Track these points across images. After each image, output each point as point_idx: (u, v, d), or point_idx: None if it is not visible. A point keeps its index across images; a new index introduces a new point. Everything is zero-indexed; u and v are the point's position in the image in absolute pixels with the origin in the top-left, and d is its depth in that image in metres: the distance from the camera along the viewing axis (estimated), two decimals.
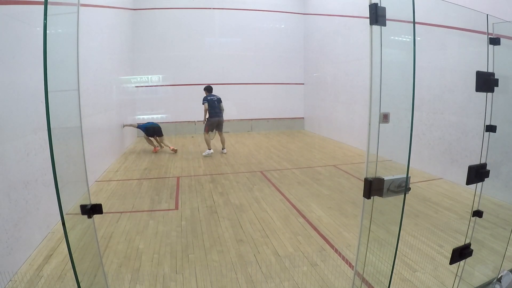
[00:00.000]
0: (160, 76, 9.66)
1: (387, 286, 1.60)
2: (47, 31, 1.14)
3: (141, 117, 8.16)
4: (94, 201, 1.42)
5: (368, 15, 1.35)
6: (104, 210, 1.49)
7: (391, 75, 1.47)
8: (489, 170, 1.90)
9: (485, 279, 2.26)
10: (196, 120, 9.85)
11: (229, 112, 7.16)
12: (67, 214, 1.29)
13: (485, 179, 1.93)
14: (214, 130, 6.94)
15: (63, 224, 1.26)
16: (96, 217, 1.45)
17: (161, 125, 7.46)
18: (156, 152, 7.37)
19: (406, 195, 1.49)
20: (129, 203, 4.15)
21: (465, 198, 4.07)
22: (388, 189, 1.44)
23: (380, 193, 1.44)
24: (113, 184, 4.97)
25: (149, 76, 9.56)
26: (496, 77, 1.91)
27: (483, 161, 1.95)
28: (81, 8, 1.55)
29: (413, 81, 1.44)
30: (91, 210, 1.40)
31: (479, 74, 1.89)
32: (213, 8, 9.71)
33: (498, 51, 2.00)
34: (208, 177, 5.33)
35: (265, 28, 10.22)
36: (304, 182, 4.99)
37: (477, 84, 1.90)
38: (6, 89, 2.58)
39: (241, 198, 4.28)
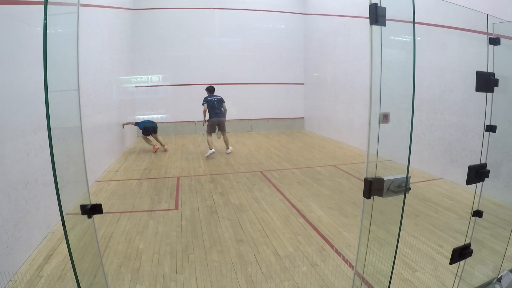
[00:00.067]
0: (160, 76, 9.66)
1: (387, 286, 1.60)
2: (47, 31, 1.14)
3: (141, 117, 8.16)
4: (94, 201, 1.42)
5: (368, 15, 1.35)
6: (104, 210, 1.49)
7: (391, 75, 1.47)
8: (489, 170, 1.90)
9: (485, 279, 2.26)
10: (196, 120, 9.85)
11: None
12: (67, 214, 1.29)
13: (485, 179, 1.92)
14: (217, 131, 6.93)
15: (63, 224, 1.26)
16: (96, 217, 1.45)
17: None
18: (155, 151, 7.38)
19: (406, 195, 1.49)
20: (129, 203, 4.15)
21: (465, 198, 4.07)
22: (388, 189, 1.44)
23: (380, 193, 1.44)
24: (113, 184, 4.97)
25: (149, 76, 9.56)
26: (496, 77, 1.91)
27: (483, 161, 1.95)
28: (81, 8, 1.55)
29: (413, 81, 1.44)
30: (91, 210, 1.40)
31: (479, 74, 1.89)
32: (213, 8, 9.72)
33: (498, 51, 2.00)
34: (208, 177, 5.33)
35: (265, 28, 10.22)
36: (304, 182, 4.99)
37: (477, 84, 1.90)
38: (6, 89, 2.58)
39: (241, 198, 4.28)
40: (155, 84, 9.62)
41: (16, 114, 2.74)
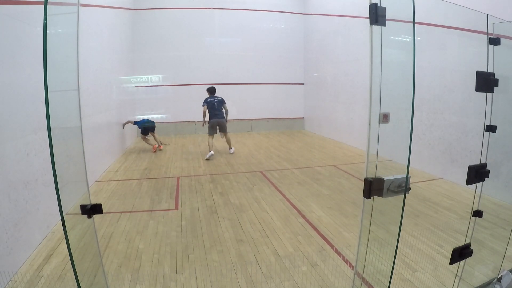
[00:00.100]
0: (160, 76, 9.66)
1: (387, 286, 1.60)
2: (47, 31, 1.14)
3: (141, 117, 8.18)
4: (94, 201, 1.42)
5: (368, 15, 1.35)
6: (104, 210, 1.49)
7: (391, 75, 1.47)
8: (489, 170, 1.90)
9: (485, 279, 2.26)
10: (196, 120, 9.85)
11: (229, 112, 7.15)
12: (67, 214, 1.29)
13: (485, 179, 1.93)
14: (218, 132, 6.93)
15: (63, 224, 1.26)
16: (96, 217, 1.45)
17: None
18: (155, 151, 7.38)
19: (406, 195, 1.49)
20: (129, 203, 4.15)
21: (465, 198, 4.07)
22: (388, 189, 1.44)
23: (380, 193, 1.44)
24: (113, 184, 4.97)
25: (149, 76, 9.56)
26: (496, 77, 1.91)
27: (483, 161, 1.95)
28: (81, 8, 1.55)
29: (413, 81, 1.44)
30: (91, 210, 1.40)
31: (479, 74, 1.89)
32: (213, 8, 9.71)
33: (498, 51, 2.00)
34: (208, 177, 5.33)
35: (265, 28, 10.22)
36: (304, 182, 4.99)
37: (477, 84, 1.90)
38: (6, 89, 2.58)
39: (241, 198, 4.28)
40: (155, 84, 9.62)
41: (16, 114, 2.74)
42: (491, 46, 2.00)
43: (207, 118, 6.80)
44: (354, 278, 1.70)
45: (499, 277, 2.18)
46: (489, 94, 1.94)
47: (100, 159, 5.58)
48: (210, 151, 6.55)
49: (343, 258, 2.76)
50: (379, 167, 1.49)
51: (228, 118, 6.94)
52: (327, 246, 2.98)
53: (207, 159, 6.49)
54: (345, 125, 8.20)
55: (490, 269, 2.41)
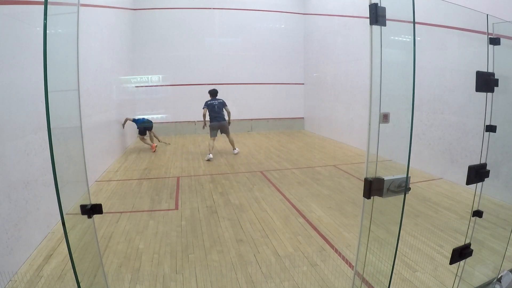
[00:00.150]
0: (160, 76, 9.66)
1: (387, 286, 1.60)
2: (47, 31, 1.14)
3: (141, 117, 8.19)
4: (94, 201, 1.42)
5: (368, 15, 1.35)
6: (104, 210, 1.49)
7: (391, 75, 1.47)
8: (489, 170, 1.90)
9: (485, 279, 2.26)
10: (196, 120, 9.86)
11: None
12: (67, 214, 1.29)
13: (485, 179, 1.92)
14: (219, 133, 6.94)
15: (63, 224, 1.26)
16: (96, 217, 1.45)
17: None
18: (154, 151, 7.39)
19: (406, 195, 1.49)
20: (129, 203, 4.15)
21: (465, 198, 4.07)
22: (388, 189, 1.44)
23: (380, 193, 1.44)
24: (113, 184, 4.98)
25: (149, 76, 9.56)
26: (496, 77, 1.91)
27: (483, 161, 1.95)
28: (81, 8, 1.55)
29: (413, 81, 1.44)
30: (91, 210, 1.40)
31: (479, 74, 1.89)
32: (213, 8, 9.72)
33: (498, 51, 2.00)
34: (208, 177, 5.33)
35: (265, 28, 10.22)
36: (304, 182, 4.99)
37: (477, 84, 1.90)
38: (6, 89, 2.59)
39: (241, 198, 4.28)
40: (155, 84, 9.62)
41: (16, 114, 2.74)
42: (491, 46, 2.00)
43: (208, 119, 6.81)
44: (354, 278, 1.70)
45: (499, 277, 2.18)
46: (489, 94, 1.94)
47: (100, 159, 5.58)
48: (209, 154, 6.56)
49: (343, 258, 2.76)
50: (379, 167, 1.49)
51: (225, 118, 6.93)
52: (327, 246, 2.98)
53: (207, 160, 6.49)
54: (345, 125, 8.20)
55: (490, 269, 2.41)
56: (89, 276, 1.57)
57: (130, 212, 3.85)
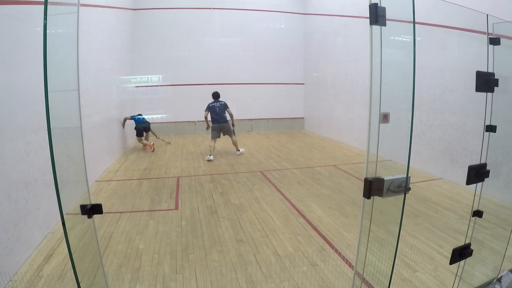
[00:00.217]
0: (160, 76, 9.66)
1: (387, 286, 1.60)
2: (47, 31, 1.14)
3: (140, 116, 8.19)
4: (94, 201, 1.42)
5: (368, 15, 1.35)
6: (104, 210, 1.49)
7: (391, 75, 1.47)
8: (489, 170, 1.90)
9: (485, 279, 2.26)
10: (196, 120, 9.86)
11: None
12: (67, 214, 1.29)
13: (485, 179, 1.92)
14: (220, 135, 6.95)
15: (63, 224, 1.26)
16: (96, 217, 1.45)
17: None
18: (153, 150, 7.40)
19: (406, 195, 1.49)
20: (129, 203, 4.15)
21: (465, 198, 4.07)
22: (388, 189, 1.44)
23: (380, 193, 1.44)
24: (113, 184, 4.98)
25: (149, 76, 9.56)
26: (496, 77, 1.91)
27: (483, 161, 1.95)
28: (81, 8, 1.55)
29: (413, 81, 1.44)
30: (91, 210, 1.40)
31: (479, 74, 1.89)
32: (213, 8, 9.72)
33: (498, 51, 2.00)
34: (208, 177, 5.33)
35: (265, 28, 10.22)
36: (304, 182, 4.99)
37: (477, 84, 1.90)
38: (6, 89, 2.59)
39: (241, 198, 4.28)
40: (155, 84, 9.62)
41: (16, 114, 2.73)
42: (491, 46, 2.00)
43: (211, 122, 6.84)
44: (354, 278, 1.70)
45: (499, 277, 2.18)
46: (489, 94, 1.94)
47: (100, 159, 5.58)
48: (210, 155, 6.56)
49: (343, 258, 2.76)
50: (379, 167, 1.49)
51: (228, 118, 6.93)
52: (327, 246, 2.98)
53: (207, 161, 6.49)
54: (345, 125, 8.20)
55: (490, 269, 2.41)
56: (89, 276, 1.57)
57: (130, 212, 3.85)
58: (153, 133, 7.74)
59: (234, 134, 7.03)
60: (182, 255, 2.83)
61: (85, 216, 1.40)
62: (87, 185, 1.48)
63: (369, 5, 1.35)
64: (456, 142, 4.72)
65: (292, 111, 10.81)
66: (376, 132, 1.43)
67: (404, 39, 1.58)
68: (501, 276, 2.17)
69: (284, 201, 4.16)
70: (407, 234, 3.05)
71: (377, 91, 1.42)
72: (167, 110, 9.70)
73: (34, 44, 2.91)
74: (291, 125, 10.82)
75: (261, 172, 5.59)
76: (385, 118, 1.45)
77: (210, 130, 6.88)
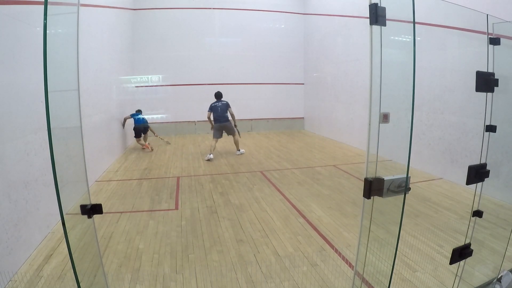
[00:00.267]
0: (160, 76, 9.66)
1: (387, 286, 1.60)
2: (47, 31, 1.14)
3: (140, 115, 8.21)
4: (94, 201, 1.42)
5: (368, 15, 1.35)
6: (104, 210, 1.49)
7: (391, 75, 1.47)
8: (489, 170, 1.90)
9: (485, 279, 2.26)
10: (196, 120, 9.86)
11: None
12: (67, 214, 1.29)
13: (485, 179, 1.92)
14: (222, 135, 6.96)
15: (63, 224, 1.26)
16: (96, 217, 1.45)
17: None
18: (152, 150, 7.40)
19: (406, 195, 1.49)
20: (129, 203, 4.15)
21: (465, 198, 4.07)
22: (388, 189, 1.44)
23: (380, 193, 1.44)
24: (113, 184, 4.98)
25: (149, 76, 9.56)
26: (496, 77, 1.91)
27: (483, 161, 1.95)
28: (81, 8, 1.55)
29: (413, 81, 1.44)
30: (91, 210, 1.40)
31: (479, 74, 1.89)
32: (213, 8, 9.72)
33: (498, 51, 2.00)
34: (208, 177, 5.33)
35: (265, 28, 10.22)
36: (304, 182, 4.99)
37: (477, 84, 1.90)
38: (6, 89, 2.59)
39: (241, 198, 4.28)
40: (155, 84, 9.62)
41: (16, 114, 2.73)
42: (491, 46, 2.00)
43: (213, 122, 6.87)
44: (354, 278, 1.70)
45: (499, 277, 2.18)
46: (489, 94, 1.94)
47: (100, 159, 5.58)
48: (210, 154, 6.57)
49: (343, 258, 2.76)
50: (379, 167, 1.49)
51: (230, 118, 6.93)
52: (327, 246, 2.98)
53: (207, 160, 6.49)
54: (345, 125, 8.20)
55: (490, 269, 2.41)
56: (89, 276, 1.57)
57: (130, 212, 3.85)
58: (151, 131, 7.74)
59: (239, 135, 7.03)
60: (182, 255, 2.83)
61: (85, 216, 1.40)
62: (87, 185, 1.48)
63: (369, 5, 1.35)
64: (456, 142, 4.72)
65: (292, 111, 10.81)
66: (376, 132, 1.43)
67: (404, 39, 1.58)
68: (501, 276, 2.17)
69: (284, 201, 4.16)
70: (407, 234, 3.05)
71: (377, 91, 1.42)
72: (167, 110, 9.70)
73: (34, 44, 2.91)
74: (291, 125, 10.82)
75: (261, 172, 5.59)
76: (385, 118, 1.45)
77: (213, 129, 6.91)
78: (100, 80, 5.66)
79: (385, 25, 1.37)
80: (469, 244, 1.95)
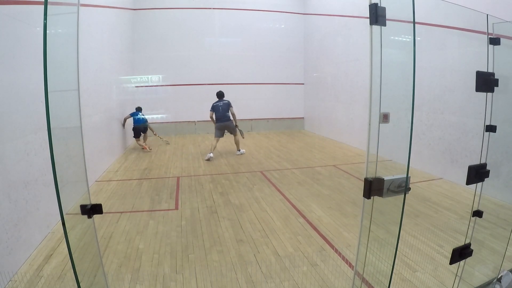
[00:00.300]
0: (160, 76, 9.66)
1: (387, 286, 1.60)
2: (47, 31, 1.14)
3: (140, 115, 8.21)
4: (94, 201, 1.42)
5: (368, 15, 1.35)
6: (104, 210, 1.49)
7: (391, 75, 1.47)
8: (489, 170, 1.90)
9: (485, 279, 2.26)
10: (196, 120, 9.86)
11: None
12: (67, 214, 1.29)
13: (485, 179, 1.92)
14: (223, 134, 6.97)
15: (63, 224, 1.26)
16: (96, 217, 1.45)
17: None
18: (150, 150, 7.41)
19: (406, 195, 1.49)
20: (129, 203, 4.15)
21: (465, 198, 4.07)
22: (388, 189, 1.44)
23: (380, 193, 1.44)
24: (113, 184, 4.98)
25: (149, 76, 9.56)
26: (496, 77, 1.91)
27: (483, 161, 1.95)
28: (81, 8, 1.55)
29: (413, 81, 1.44)
30: (91, 210, 1.40)
31: (479, 74, 1.89)
32: (213, 8, 9.72)
33: (498, 51, 2.00)
34: (208, 177, 5.33)
35: (265, 28, 10.22)
36: (304, 182, 4.99)
37: (477, 84, 1.90)
38: (6, 89, 2.59)
39: (241, 198, 4.28)
40: (155, 84, 9.62)
41: (16, 114, 2.74)
42: (491, 46, 2.00)
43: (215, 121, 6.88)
44: (354, 278, 1.70)
45: (499, 277, 2.18)
46: (489, 94, 1.94)
47: (100, 159, 5.58)
48: (210, 153, 6.57)
49: (343, 258, 2.76)
50: (379, 167, 1.49)
51: (231, 118, 6.94)
52: (327, 246, 2.98)
53: (207, 160, 6.50)
54: (345, 125, 8.20)
55: (490, 269, 2.41)
56: (89, 276, 1.56)
57: (130, 212, 3.85)
58: (151, 129, 7.74)
59: (242, 135, 7.03)
60: (182, 255, 2.83)
61: (85, 216, 1.40)
62: (87, 185, 1.48)
63: (369, 5, 1.35)
64: (456, 142, 4.72)
65: (292, 111, 10.81)
66: (376, 132, 1.43)
67: (404, 39, 1.58)
68: (501, 276, 2.17)
69: (284, 201, 4.16)
70: (407, 234, 3.05)
71: (377, 91, 1.42)
72: (167, 110, 9.70)
73: (34, 44, 2.91)
74: (291, 125, 10.82)
75: (261, 172, 5.59)
76: (385, 118, 1.45)
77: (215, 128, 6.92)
78: (100, 80, 5.66)
79: (385, 25, 1.37)
80: (469, 244, 1.95)
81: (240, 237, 3.18)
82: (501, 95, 1.98)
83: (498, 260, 2.40)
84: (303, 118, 10.93)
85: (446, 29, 4.64)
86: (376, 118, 1.42)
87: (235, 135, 6.98)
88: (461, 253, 1.93)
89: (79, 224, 1.46)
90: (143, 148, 7.54)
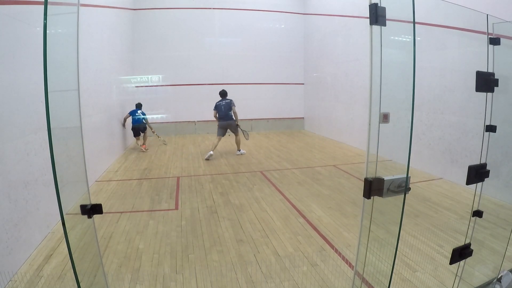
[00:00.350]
0: (160, 76, 9.66)
1: (387, 286, 1.60)
2: (47, 31, 1.14)
3: (140, 114, 8.21)
4: (94, 201, 1.42)
5: (368, 15, 1.35)
6: (104, 210, 1.49)
7: (391, 75, 1.47)
8: (489, 170, 1.90)
9: (485, 279, 2.26)
10: (196, 120, 9.86)
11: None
12: (67, 214, 1.29)
13: (485, 179, 1.92)
14: (225, 133, 6.97)
15: (63, 224, 1.26)
16: (96, 217, 1.45)
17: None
18: (146, 150, 7.41)
19: (406, 195, 1.49)
20: (129, 203, 4.15)
21: (465, 198, 4.07)
22: (388, 189, 1.44)
23: (380, 193, 1.44)
24: (113, 184, 4.98)
25: (149, 76, 9.56)
26: (496, 77, 1.91)
27: (483, 161, 1.95)
28: (81, 8, 1.55)
29: (413, 81, 1.44)
30: (91, 210, 1.40)
31: (479, 74, 1.89)
32: (213, 8, 9.72)
33: (498, 51, 2.00)
34: (208, 177, 5.33)
35: (265, 28, 10.22)
36: (304, 182, 4.99)
37: (477, 84, 1.90)
38: (6, 89, 2.59)
39: (241, 198, 4.28)
40: (155, 84, 9.62)
41: (16, 114, 2.74)
42: (491, 46, 2.00)
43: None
44: (354, 278, 1.70)
45: (499, 277, 2.18)
46: (489, 94, 1.94)
47: (100, 159, 5.58)
48: (210, 151, 6.58)
49: (343, 258, 2.76)
50: (379, 167, 1.49)
51: (233, 117, 6.94)
52: (327, 246, 2.98)
53: (206, 159, 6.50)
54: (345, 125, 8.20)
55: (490, 269, 2.41)
56: (89, 276, 1.56)
57: (130, 212, 3.85)
58: (149, 127, 7.74)
59: (246, 136, 7.03)
60: (182, 255, 2.83)
61: (85, 216, 1.40)
62: (87, 185, 1.48)
63: (369, 5, 1.35)
64: (456, 142, 4.72)
65: (292, 111, 10.81)
66: (376, 132, 1.43)
67: (404, 39, 1.58)
68: (501, 276, 2.17)
69: (284, 201, 4.16)
70: (407, 234, 3.05)
71: (377, 91, 1.42)
72: (167, 110, 9.70)
73: (34, 44, 2.91)
74: (291, 125, 10.82)
75: (261, 172, 5.59)
76: (385, 118, 1.45)
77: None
78: (100, 80, 5.66)
79: (385, 25, 1.37)
80: (469, 244, 1.95)
81: (240, 237, 3.18)
82: (501, 95, 1.98)
83: (498, 260, 2.40)
84: (303, 118, 10.93)
85: (446, 29, 4.64)
86: (376, 118, 1.42)
87: (236, 134, 6.98)
88: (461, 253, 1.93)
89: (79, 224, 1.46)
90: (141, 146, 7.54)
